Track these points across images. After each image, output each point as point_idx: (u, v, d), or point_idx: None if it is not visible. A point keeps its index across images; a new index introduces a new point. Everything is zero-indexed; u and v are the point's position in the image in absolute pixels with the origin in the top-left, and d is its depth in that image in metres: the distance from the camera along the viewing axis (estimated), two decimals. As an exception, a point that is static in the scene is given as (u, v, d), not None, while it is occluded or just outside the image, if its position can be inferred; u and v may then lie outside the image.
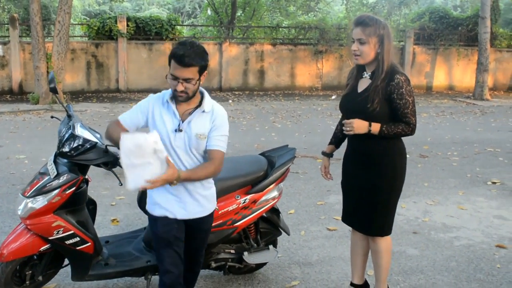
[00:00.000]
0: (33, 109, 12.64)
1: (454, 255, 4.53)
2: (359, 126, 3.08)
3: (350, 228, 3.66)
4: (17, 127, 10.39)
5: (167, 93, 2.83)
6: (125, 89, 16.44)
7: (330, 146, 3.64)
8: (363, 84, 3.22)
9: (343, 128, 3.14)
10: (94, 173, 5.45)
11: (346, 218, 3.52)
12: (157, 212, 2.89)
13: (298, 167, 7.03)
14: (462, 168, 7.62)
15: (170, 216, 2.88)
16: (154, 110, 2.81)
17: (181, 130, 2.77)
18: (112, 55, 16.31)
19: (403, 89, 3.08)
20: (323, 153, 3.66)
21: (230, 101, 15.14)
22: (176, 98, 2.77)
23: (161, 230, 2.90)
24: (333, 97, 16.50)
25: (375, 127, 3.09)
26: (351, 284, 3.63)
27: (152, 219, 2.93)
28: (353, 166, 3.36)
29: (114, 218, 5.08)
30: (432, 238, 4.90)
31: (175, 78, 2.67)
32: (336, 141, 3.62)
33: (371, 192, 3.25)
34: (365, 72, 3.23)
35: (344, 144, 3.54)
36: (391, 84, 3.08)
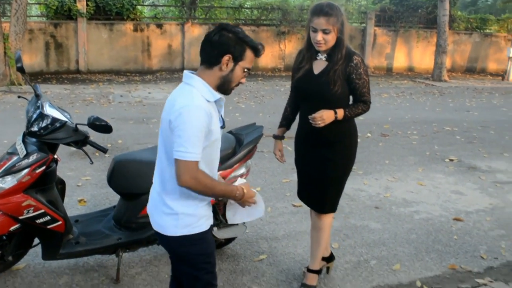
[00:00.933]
0: (-10, 91, 12.33)
1: (414, 228, 4.73)
2: (328, 117, 3.12)
3: None
4: (-25, 109, 10.13)
5: (208, 91, 2.31)
6: (86, 70, 16.15)
7: (281, 129, 3.63)
8: (319, 66, 3.25)
9: (312, 122, 3.13)
10: (59, 154, 5.42)
11: (301, 195, 3.61)
12: (206, 225, 2.42)
13: (263, 146, 7.11)
14: (421, 146, 7.87)
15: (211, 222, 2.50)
16: (211, 118, 2.28)
17: (224, 126, 2.51)
18: (71, 35, 15.97)
19: (361, 69, 3.19)
20: (275, 137, 3.64)
21: (194, 82, 15.07)
22: (228, 92, 2.42)
23: (212, 245, 2.47)
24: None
25: (340, 113, 3.17)
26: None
27: (197, 238, 2.38)
28: (307, 145, 3.40)
29: (81, 198, 5.07)
30: (393, 212, 5.10)
31: (248, 70, 2.38)
32: (287, 123, 3.62)
33: (326, 170, 3.32)
34: (319, 54, 3.24)
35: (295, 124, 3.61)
36: (350, 65, 3.16)
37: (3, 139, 7.33)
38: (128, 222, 3.56)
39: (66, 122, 3.23)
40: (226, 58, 2.27)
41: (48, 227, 3.28)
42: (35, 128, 3.20)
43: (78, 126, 3.28)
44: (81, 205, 4.93)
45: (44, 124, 3.19)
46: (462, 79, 19.08)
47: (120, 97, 11.87)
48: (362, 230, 4.64)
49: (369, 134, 8.29)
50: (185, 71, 2.37)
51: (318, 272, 3.58)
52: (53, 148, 3.30)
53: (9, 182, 3.15)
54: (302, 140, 3.43)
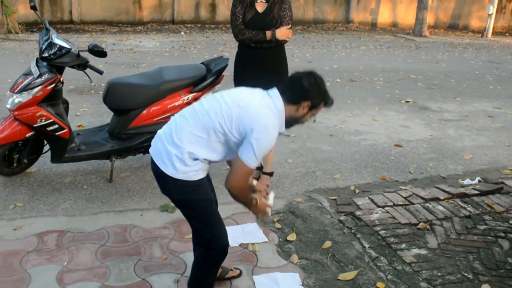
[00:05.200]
0: (-11, 39, 12.98)
1: (359, 151, 5.67)
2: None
3: None
4: (-24, 54, 10.85)
5: (281, 123, 2.57)
6: (79, 21, 16.74)
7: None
8: (260, 6, 4.15)
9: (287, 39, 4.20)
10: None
11: None
12: (203, 173, 2.58)
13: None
14: (383, 90, 8.76)
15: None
16: None
17: None
18: (65, -14, 16.49)
19: (288, 5, 4.22)
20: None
21: (182, 33, 15.77)
22: (288, 127, 2.66)
23: (209, 191, 2.70)
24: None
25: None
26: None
27: (195, 185, 2.54)
28: (255, 69, 4.22)
29: (79, 124, 5.94)
30: (345, 139, 6.02)
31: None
32: None
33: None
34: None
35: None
36: (284, 7, 4.16)
37: (7, 78, 8.14)
38: (119, 134, 4.45)
39: (70, 49, 4.08)
40: (306, 103, 2.52)
41: (56, 134, 4.17)
42: (45, 54, 4.05)
43: (80, 52, 4.14)
44: (80, 128, 5.80)
45: (53, 51, 4.04)
46: (443, 35, 19.77)
47: (113, 45, 12.60)
48: (315, 151, 5.57)
49: (338, 80, 9.17)
50: (276, 90, 2.56)
51: (270, 174, 4.50)
52: (60, 70, 4.16)
53: (26, 96, 4.02)
54: (251, 65, 4.28)
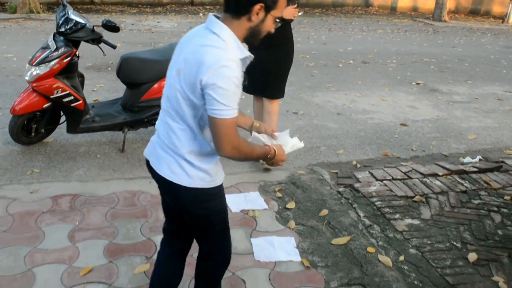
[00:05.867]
0: (11, 18, 13.28)
1: (365, 129, 5.82)
2: None
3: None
4: (-1, 32, 11.17)
5: (238, 48, 1.97)
6: (99, 1, 17.00)
7: None
8: None
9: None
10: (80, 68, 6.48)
11: (252, 89, 4.54)
12: (221, 178, 2.24)
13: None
14: (395, 72, 8.85)
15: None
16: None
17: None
18: (86, -33, 16.74)
19: None
20: None
21: (201, 14, 15.95)
22: (255, 44, 2.11)
23: (225, 200, 2.32)
24: (300, 13, 17.31)
25: None
26: None
27: (214, 193, 2.20)
28: (266, 48, 4.02)
29: (96, 99, 6.18)
30: (352, 118, 6.18)
31: (279, 19, 2.08)
32: None
33: (276, 65, 4.38)
34: None
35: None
36: None
37: (27, 55, 8.36)
38: (132, 106, 4.67)
39: (85, 24, 4.30)
40: (257, 7, 1.94)
41: (72, 105, 4.40)
42: (62, 29, 4.27)
43: (94, 27, 4.35)
44: (96, 103, 6.04)
45: (69, 26, 4.26)
46: (463, 20, 19.61)
47: (132, 25, 12.83)
48: (321, 128, 5.74)
49: (351, 61, 9.27)
50: (210, 16, 2.03)
51: None
52: (76, 44, 4.38)
53: (43, 69, 4.25)
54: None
